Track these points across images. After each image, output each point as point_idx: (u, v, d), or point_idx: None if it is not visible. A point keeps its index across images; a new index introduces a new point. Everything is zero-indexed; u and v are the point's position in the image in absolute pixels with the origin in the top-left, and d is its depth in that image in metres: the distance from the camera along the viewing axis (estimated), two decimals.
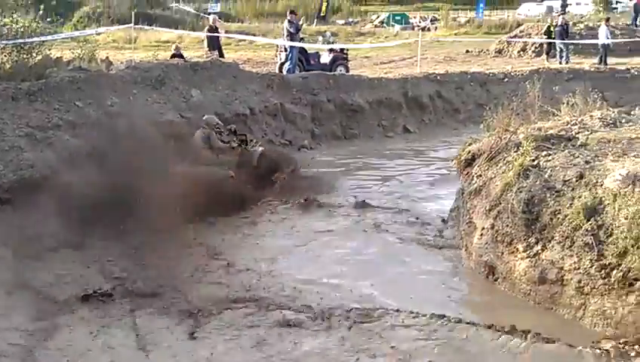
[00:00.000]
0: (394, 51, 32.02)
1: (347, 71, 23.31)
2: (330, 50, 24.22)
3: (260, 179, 12.96)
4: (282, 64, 22.19)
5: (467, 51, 32.89)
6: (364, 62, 29.37)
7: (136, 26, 29.51)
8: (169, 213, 9.81)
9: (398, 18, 60.02)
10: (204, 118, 13.48)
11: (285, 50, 22.00)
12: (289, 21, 21.93)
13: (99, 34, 29.27)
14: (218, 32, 23.26)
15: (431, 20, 58.06)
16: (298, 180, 13.45)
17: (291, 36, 21.63)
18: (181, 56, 20.41)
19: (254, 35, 35.42)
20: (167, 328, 7.37)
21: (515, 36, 33.55)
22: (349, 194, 13.26)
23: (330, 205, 12.38)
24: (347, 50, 25.87)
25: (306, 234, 10.94)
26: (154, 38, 34.94)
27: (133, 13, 31.92)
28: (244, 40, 34.31)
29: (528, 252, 8.14)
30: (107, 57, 16.75)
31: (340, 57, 24.06)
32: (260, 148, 13.71)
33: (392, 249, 10.31)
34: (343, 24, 57.94)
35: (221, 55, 21.21)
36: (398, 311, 7.56)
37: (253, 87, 17.83)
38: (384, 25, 58.21)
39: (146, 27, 32.76)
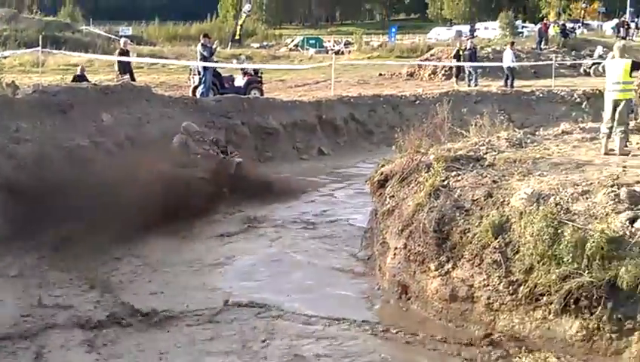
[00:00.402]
0: (308, 74, 32.34)
1: (261, 94, 23.35)
2: (245, 74, 24.23)
3: (235, 187, 13.81)
4: (196, 87, 22.04)
5: (380, 74, 33.51)
6: (278, 85, 29.51)
7: (44, 50, 28.71)
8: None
9: (312, 42, 60.83)
10: (183, 125, 14.39)
11: (199, 73, 21.87)
12: (202, 44, 21.86)
13: (5, 57, 28.36)
14: (129, 56, 22.89)
15: (345, 44, 59.08)
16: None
17: (205, 59, 21.54)
18: (84, 78, 19.97)
19: (167, 58, 35.07)
20: None
21: (425, 60, 34.48)
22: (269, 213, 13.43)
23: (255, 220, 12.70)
24: (262, 73, 25.94)
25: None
26: (63, 62, 34.02)
27: (40, 36, 31.08)
28: (157, 63, 33.94)
29: (440, 270, 8.31)
30: (13, 81, 16.20)
31: (255, 80, 24.09)
32: (239, 159, 14.60)
33: (304, 269, 10.38)
34: (257, 47, 58.18)
35: (132, 78, 20.87)
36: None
37: (167, 110, 17.62)
38: (299, 48, 58.80)
39: (54, 51, 31.93)
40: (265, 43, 65.40)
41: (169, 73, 33.75)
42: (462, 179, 9.38)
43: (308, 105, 21.22)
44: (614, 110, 10.90)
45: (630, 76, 10.97)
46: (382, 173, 11.17)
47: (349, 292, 9.48)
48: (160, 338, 7.80)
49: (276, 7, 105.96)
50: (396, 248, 9.22)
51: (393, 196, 10.17)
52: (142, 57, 31.88)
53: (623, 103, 10.86)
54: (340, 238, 12.04)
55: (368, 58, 42.99)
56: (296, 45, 61.17)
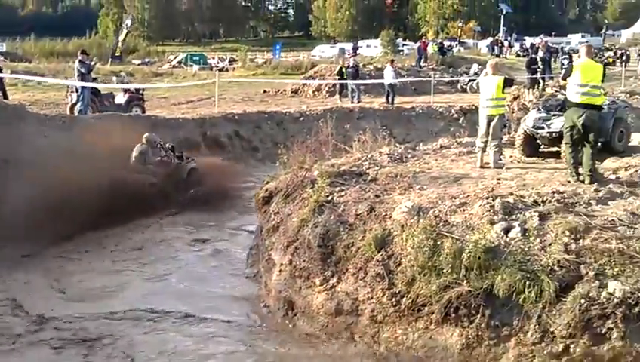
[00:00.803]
0: (192, 91, 31.95)
1: (143, 111, 22.85)
2: (125, 91, 23.63)
3: (187, 190, 15.05)
4: (74, 105, 21.26)
5: (265, 91, 33.58)
6: (161, 102, 28.95)
7: None
8: None
9: (196, 58, 60.19)
10: (145, 135, 15.44)
11: (77, 90, 21.12)
12: (80, 61, 21.14)
13: None
14: (1, 72, 21.85)
15: (229, 61, 58.86)
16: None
17: (82, 77, 20.84)
18: None
19: (43, 75, 33.71)
20: None
21: (309, 77, 34.86)
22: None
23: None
24: (143, 90, 25.39)
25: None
26: None
27: None
28: (32, 80, 32.55)
29: (325, 285, 8.40)
30: None
31: (136, 98, 23.52)
32: (193, 164, 15.85)
33: (191, 288, 10.24)
34: (139, 64, 56.98)
35: (5, 96, 19.93)
36: None
37: (42, 128, 16.88)
38: (182, 65, 58.05)
39: None
40: (147, 60, 64.23)
41: (45, 91, 32.42)
42: (345, 194, 9.54)
43: (192, 122, 20.97)
44: (488, 125, 11.42)
45: (502, 92, 11.54)
46: (266, 190, 11.20)
47: (234, 312, 9.40)
48: None
49: (158, 23, 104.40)
50: (282, 264, 9.24)
51: (278, 212, 10.21)
52: (16, 74, 30.43)
53: (496, 118, 11.40)
54: (226, 257, 11.96)
55: (253, 75, 43.02)
56: (180, 62, 60.37)
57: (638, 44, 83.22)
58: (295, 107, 25.86)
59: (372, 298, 7.86)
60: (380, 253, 8.02)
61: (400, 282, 7.67)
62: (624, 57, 52.59)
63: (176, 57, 64.18)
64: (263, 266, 10.11)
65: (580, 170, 9.81)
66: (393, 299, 7.66)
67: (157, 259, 11.76)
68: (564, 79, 10.23)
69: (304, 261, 8.76)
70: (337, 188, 9.76)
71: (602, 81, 10.04)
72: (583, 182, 9.58)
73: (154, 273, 11.00)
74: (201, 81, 33.44)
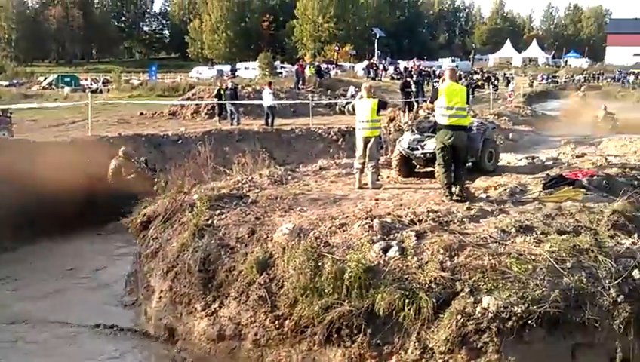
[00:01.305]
0: (64, 114, 30.78)
1: (11, 135, 21.77)
2: None
3: None
4: None
5: (141, 113, 32.81)
6: (31, 125, 27.74)
7: None
8: None
9: (67, 80, 58.17)
10: (121, 150, 17.13)
11: None
12: None
13: None
14: None
15: (103, 82, 57.31)
16: None
17: None
18: None
19: None
20: None
21: (187, 99, 34.44)
22: None
23: None
24: (11, 112, 24.20)
25: None
26: None
27: None
28: None
29: (207, 310, 8.29)
30: None
31: (3, 121, 22.40)
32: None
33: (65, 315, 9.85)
34: (6, 86, 54.38)
35: None
36: None
37: None
38: (53, 86, 55.89)
39: None
40: (15, 81, 61.35)
41: None
42: (226, 217, 9.48)
43: (63, 145, 20.16)
44: (365, 147, 11.68)
45: (377, 115, 11.83)
46: (144, 215, 10.95)
47: (111, 341, 9.10)
48: None
49: (26, 43, 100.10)
50: (161, 291, 9.05)
51: (157, 237, 10.01)
52: None
53: (372, 140, 11.67)
54: (104, 284, 11.60)
55: (129, 97, 42.02)
56: (50, 83, 58.12)
57: (504, 68, 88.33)
58: (173, 129, 25.45)
59: (255, 321, 7.82)
60: (262, 276, 8.01)
61: (282, 304, 7.69)
62: (493, 80, 55.60)
63: (46, 78, 61.71)
64: (142, 293, 9.85)
65: (454, 189, 10.22)
66: (276, 322, 7.66)
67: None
68: (431, 102, 10.67)
69: (185, 286, 8.63)
70: (217, 212, 9.68)
71: (467, 103, 10.55)
72: (457, 201, 9.99)
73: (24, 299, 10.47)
74: (74, 102, 32.32)
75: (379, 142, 12.28)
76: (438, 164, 10.50)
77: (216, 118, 28.89)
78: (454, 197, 10.09)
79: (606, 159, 14.01)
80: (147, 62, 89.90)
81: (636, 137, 24.29)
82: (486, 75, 63.41)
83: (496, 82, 55.59)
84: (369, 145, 11.62)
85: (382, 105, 12.01)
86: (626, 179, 11.64)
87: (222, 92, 28.95)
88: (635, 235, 8.56)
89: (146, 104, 35.11)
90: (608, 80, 73.62)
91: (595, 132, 30.71)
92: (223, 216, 9.50)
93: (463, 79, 42.76)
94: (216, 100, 29.16)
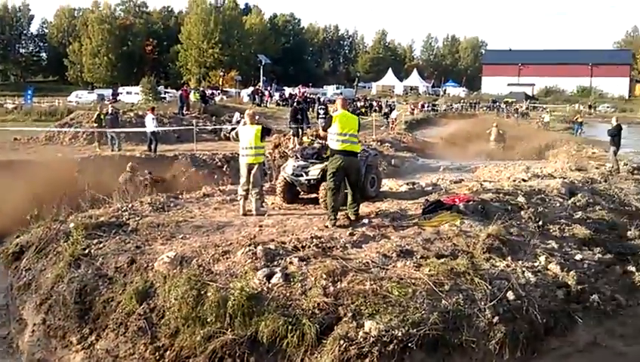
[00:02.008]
0: None
1: None
2: None
3: None
4: None
5: (15, 139, 31.50)
6: None
7: None
8: None
9: None
10: (129, 165, 18.80)
11: None
12: None
13: None
14: None
15: None
16: None
17: None
18: None
19: None
20: None
21: (65, 123, 33.31)
22: None
23: None
24: None
25: None
26: None
27: None
28: None
29: (83, 343, 7.97)
30: None
31: None
32: None
33: None
34: None
35: None
36: None
37: None
38: None
39: None
40: None
41: None
42: (104, 246, 9.21)
43: None
44: (249, 173, 11.69)
45: (261, 141, 11.87)
46: (17, 245, 10.46)
47: None
48: None
49: None
50: (35, 324, 8.63)
51: (30, 268, 9.56)
52: None
53: (255, 167, 11.69)
54: None
55: (2, 121, 40.19)
56: None
57: (386, 96, 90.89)
58: (50, 155, 24.51)
59: (134, 353, 7.58)
60: (142, 306, 7.80)
61: (163, 335, 7.50)
62: (375, 107, 57.11)
63: None
64: (13, 327, 9.35)
65: (339, 215, 10.46)
66: (156, 354, 7.46)
67: None
68: (324, 130, 10.95)
69: (59, 319, 8.27)
70: (95, 241, 9.39)
71: (358, 131, 10.91)
72: (354, 219, 10.39)
73: None
74: None
75: (263, 169, 12.32)
76: (328, 188, 10.74)
77: (96, 143, 28.08)
78: (339, 223, 10.34)
79: (481, 185, 14.65)
80: (23, 86, 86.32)
81: (510, 163, 25.57)
82: (369, 103, 65.09)
83: (379, 109, 57.27)
84: (253, 172, 11.64)
85: (265, 132, 12.10)
86: (500, 203, 12.21)
87: (102, 117, 28.20)
88: (509, 258, 8.98)
89: (21, 129, 33.64)
90: (484, 108, 77.20)
91: (484, 153, 32.31)
92: (101, 245, 9.22)
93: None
94: (96, 125, 28.36)
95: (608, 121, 31.85)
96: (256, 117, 12.04)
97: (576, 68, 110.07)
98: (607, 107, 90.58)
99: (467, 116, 62.07)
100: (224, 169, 24.24)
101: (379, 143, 31.47)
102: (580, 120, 54.52)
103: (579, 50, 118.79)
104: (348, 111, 11.10)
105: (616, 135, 23.51)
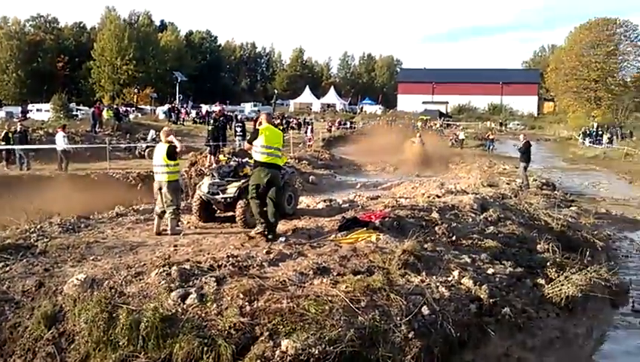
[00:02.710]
0: None
1: None
2: None
3: None
4: None
5: None
6: None
7: None
8: None
9: None
10: None
11: None
12: None
13: None
14: None
15: None
16: None
17: None
18: None
19: None
20: None
21: None
22: None
23: None
24: None
25: None
26: None
27: None
28: None
29: None
30: None
31: None
32: None
33: None
34: None
35: None
36: None
37: None
38: None
39: None
40: None
41: None
42: (10, 269, 8.87)
43: None
44: (162, 192, 11.51)
45: (174, 159, 11.65)
46: None
47: None
48: None
49: None
50: None
51: None
52: None
53: (168, 185, 11.52)
54: None
55: None
56: None
57: (304, 113, 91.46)
58: None
59: None
60: (51, 331, 7.52)
61: (73, 360, 7.26)
62: (293, 124, 57.37)
63: None
64: None
65: (255, 233, 10.46)
66: None
67: None
68: (250, 142, 10.99)
69: None
70: (1, 264, 9.03)
71: (282, 145, 11.08)
72: (269, 239, 10.38)
73: None
74: None
75: (176, 187, 12.06)
76: (252, 199, 10.86)
77: (4, 162, 27.12)
78: (268, 237, 10.47)
79: (397, 201, 14.89)
80: None
81: (425, 180, 26.11)
82: (287, 120, 65.33)
83: (297, 127, 57.58)
84: (166, 191, 11.47)
85: (173, 150, 11.75)
86: (415, 220, 12.43)
87: (10, 135, 27.28)
88: (424, 273, 9.14)
89: None
90: (400, 126, 78.68)
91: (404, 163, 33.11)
92: (7, 269, 8.86)
93: None
94: (3, 144, 27.39)
95: (518, 137, 33.06)
96: (171, 136, 11.84)
97: (488, 86, 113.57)
98: (518, 124, 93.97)
99: (385, 133, 63.15)
100: (139, 187, 23.78)
101: (297, 161, 31.60)
102: (491, 137, 56.72)
103: (490, 69, 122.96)
104: (273, 125, 11.21)
105: (525, 152, 24.46)
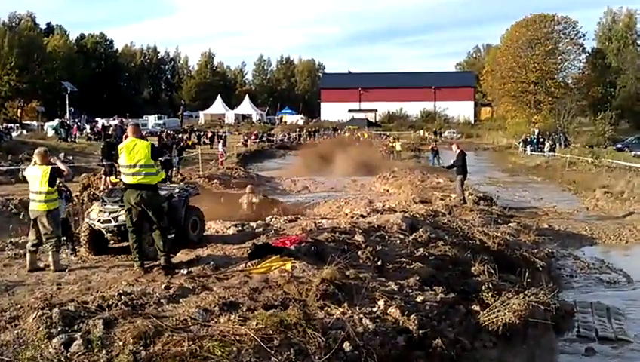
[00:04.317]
0: None
1: None
2: None
3: None
4: None
5: None
6: None
7: None
8: None
9: None
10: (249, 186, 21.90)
11: None
12: None
13: None
14: None
15: None
16: None
17: None
18: None
19: None
20: None
21: None
22: None
23: None
24: None
25: None
26: None
27: None
28: None
29: None
30: None
31: None
32: None
33: None
34: None
35: None
36: None
37: None
38: None
39: None
40: None
41: None
42: None
43: None
44: (36, 223, 11.12)
45: (52, 185, 11.18)
46: None
47: None
48: None
49: None
50: None
51: None
52: None
53: (47, 215, 11.10)
54: None
55: None
56: None
57: (216, 125, 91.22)
58: None
59: None
60: None
61: None
62: (204, 138, 57.05)
63: None
64: None
65: (151, 264, 10.29)
66: None
67: None
68: (115, 161, 10.80)
69: None
70: None
71: (155, 159, 10.87)
72: (165, 272, 10.25)
73: None
74: None
75: (57, 216, 11.56)
76: (128, 228, 10.66)
77: None
78: (164, 266, 10.37)
79: (316, 224, 14.91)
80: None
81: (352, 198, 26.32)
82: (197, 134, 64.99)
83: (209, 141, 57.25)
84: (46, 221, 11.05)
85: (57, 173, 11.32)
86: (335, 243, 12.48)
87: None
88: (345, 304, 9.13)
89: None
90: (325, 137, 79.44)
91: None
92: None
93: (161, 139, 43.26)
94: None
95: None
96: (55, 158, 11.49)
97: (420, 91, 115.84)
98: (453, 133, 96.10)
99: (308, 145, 63.51)
100: (21, 216, 23.10)
101: (206, 180, 31.39)
102: (435, 148, 54.64)
103: (422, 72, 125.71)
104: (141, 139, 11.00)
105: (461, 164, 24.79)
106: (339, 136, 78.36)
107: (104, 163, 26.93)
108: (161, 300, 8.86)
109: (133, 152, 10.51)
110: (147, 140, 11.54)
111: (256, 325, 8.08)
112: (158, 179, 11.02)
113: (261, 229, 14.79)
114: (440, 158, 51.14)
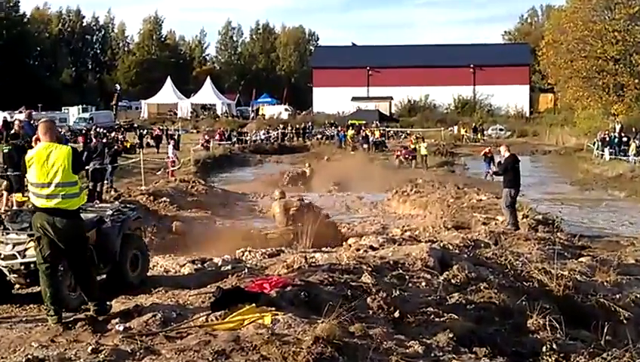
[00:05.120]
0: None
1: None
2: None
3: None
4: None
5: None
6: None
7: None
8: None
9: None
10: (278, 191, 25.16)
11: None
12: None
13: None
14: None
15: None
16: None
17: None
18: None
19: None
20: None
21: None
22: None
23: None
24: None
25: None
26: None
27: None
28: None
29: None
30: None
31: None
32: None
33: None
34: None
35: None
36: None
37: None
38: None
39: None
40: None
41: None
42: None
43: None
44: None
45: None
46: None
47: None
48: None
49: None
50: None
51: None
52: None
53: None
54: None
55: None
56: None
57: (166, 120, 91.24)
58: None
59: None
60: None
61: None
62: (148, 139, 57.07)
63: None
64: None
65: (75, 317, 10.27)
66: None
67: None
68: (23, 175, 10.76)
69: None
70: None
71: (76, 172, 10.68)
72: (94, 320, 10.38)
73: None
74: None
75: None
76: (39, 264, 10.60)
77: None
78: (92, 316, 10.48)
79: (307, 259, 14.87)
80: None
81: (357, 220, 26.32)
82: (138, 132, 65.10)
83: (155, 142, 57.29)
84: None
85: None
86: (334, 287, 12.44)
87: None
88: None
89: None
90: (318, 138, 79.28)
91: None
92: None
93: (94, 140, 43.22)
94: None
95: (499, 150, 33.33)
96: None
97: (454, 72, 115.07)
98: (501, 130, 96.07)
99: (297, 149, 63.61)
100: None
101: (151, 198, 31.39)
102: (489, 153, 52.45)
103: (455, 44, 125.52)
104: (59, 143, 10.82)
105: (512, 173, 24.12)
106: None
107: (9, 174, 26.87)
108: None
109: (47, 165, 10.27)
110: (67, 145, 11.45)
111: None
112: (80, 203, 10.92)
113: (229, 267, 14.80)
114: (495, 168, 48.33)
